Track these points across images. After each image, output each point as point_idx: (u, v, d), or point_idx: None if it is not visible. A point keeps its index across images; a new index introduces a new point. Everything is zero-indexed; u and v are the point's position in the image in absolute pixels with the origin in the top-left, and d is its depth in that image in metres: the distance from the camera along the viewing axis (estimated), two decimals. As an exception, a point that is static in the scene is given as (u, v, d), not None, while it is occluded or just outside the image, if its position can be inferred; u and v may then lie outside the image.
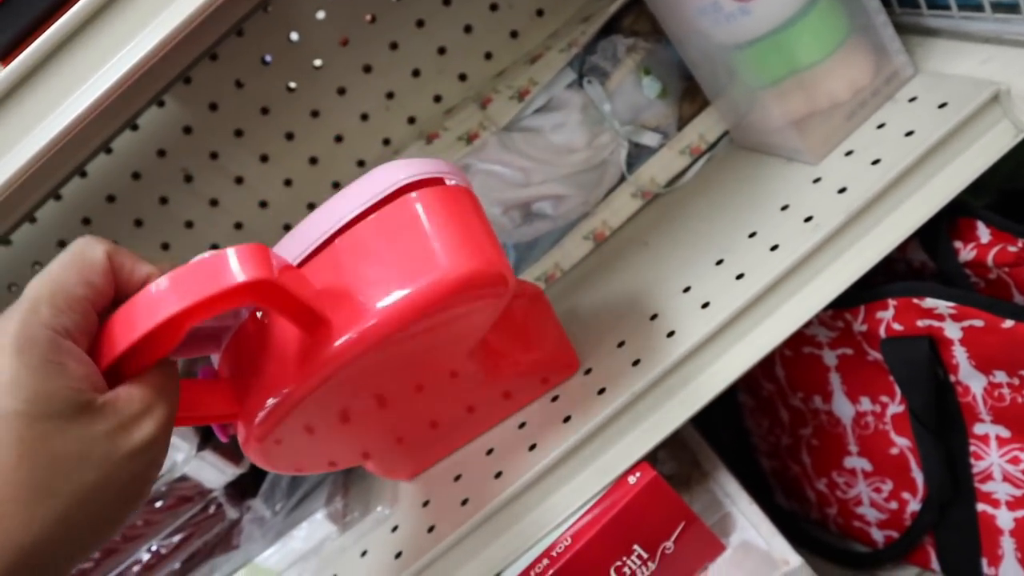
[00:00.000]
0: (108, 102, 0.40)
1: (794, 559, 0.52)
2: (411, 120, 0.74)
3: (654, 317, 0.55)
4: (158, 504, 0.61)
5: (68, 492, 0.31)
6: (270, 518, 0.64)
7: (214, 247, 0.73)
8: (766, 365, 0.68)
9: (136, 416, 0.33)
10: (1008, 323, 0.51)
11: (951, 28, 0.55)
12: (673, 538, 0.53)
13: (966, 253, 0.54)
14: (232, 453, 0.61)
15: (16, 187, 0.41)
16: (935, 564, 0.65)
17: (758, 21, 0.52)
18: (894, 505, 0.65)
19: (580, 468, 0.53)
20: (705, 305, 0.52)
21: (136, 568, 0.64)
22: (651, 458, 0.54)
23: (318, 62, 0.71)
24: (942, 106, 0.51)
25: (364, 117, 0.74)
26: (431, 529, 0.55)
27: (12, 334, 0.31)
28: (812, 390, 0.66)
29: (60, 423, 0.31)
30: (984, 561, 0.61)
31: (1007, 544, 0.59)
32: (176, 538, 0.63)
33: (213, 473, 0.60)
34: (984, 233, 0.54)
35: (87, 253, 0.35)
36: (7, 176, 0.41)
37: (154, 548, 0.63)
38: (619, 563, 0.52)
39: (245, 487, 0.64)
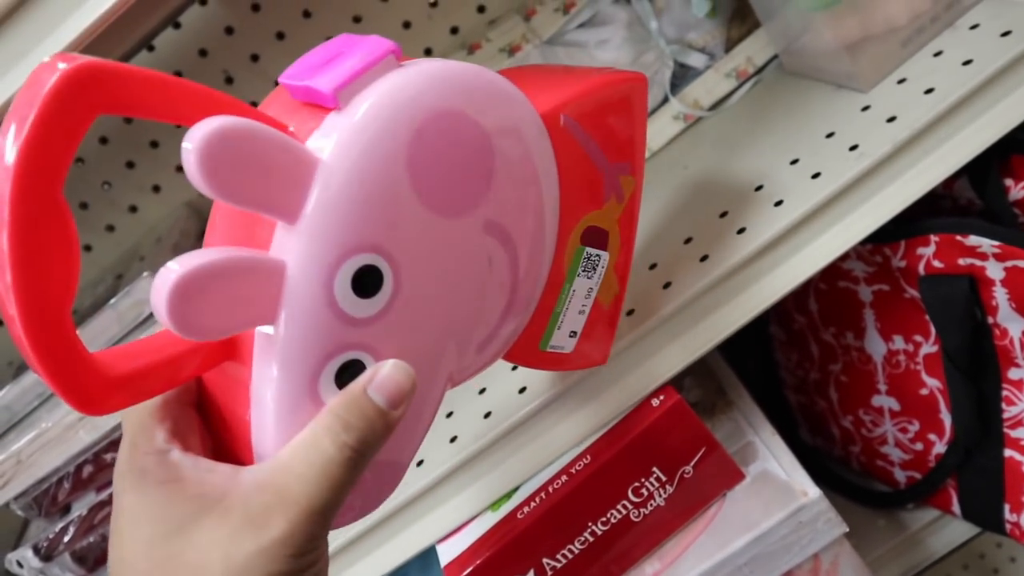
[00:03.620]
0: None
1: (813, 491, 0.52)
2: (454, 30, 0.73)
3: (688, 241, 0.55)
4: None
5: None
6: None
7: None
8: (799, 297, 0.67)
9: (263, 514, 0.29)
10: (1054, 265, 0.49)
11: (1023, -48, 0.52)
12: (693, 463, 0.53)
13: (1016, 191, 0.53)
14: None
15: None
16: (956, 507, 0.65)
17: (817, -64, 0.50)
18: (919, 446, 0.65)
19: (603, 387, 0.53)
20: (741, 231, 0.51)
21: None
22: (677, 384, 0.54)
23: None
24: (1005, 34, 0.49)
25: (406, 25, 0.73)
26: (453, 439, 0.56)
27: (124, 473, 0.31)
28: (845, 325, 0.65)
29: (184, 535, 0.29)
30: (1007, 507, 0.60)
31: (1032, 491, 0.59)
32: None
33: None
34: (1038, 171, 0.52)
35: None
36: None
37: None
38: (637, 484, 0.53)
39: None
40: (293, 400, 0.31)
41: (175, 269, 0.26)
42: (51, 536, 0.68)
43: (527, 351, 0.43)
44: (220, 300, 0.27)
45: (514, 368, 0.57)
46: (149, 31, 0.61)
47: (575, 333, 0.44)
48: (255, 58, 0.71)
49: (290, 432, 0.31)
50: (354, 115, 0.31)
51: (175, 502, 0.29)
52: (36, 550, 0.68)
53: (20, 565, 0.69)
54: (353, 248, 0.30)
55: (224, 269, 0.27)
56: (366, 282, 0.31)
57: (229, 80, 0.72)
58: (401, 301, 0.33)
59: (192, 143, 0.26)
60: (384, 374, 0.32)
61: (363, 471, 0.31)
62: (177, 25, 0.69)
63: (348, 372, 0.32)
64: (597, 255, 0.44)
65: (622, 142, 0.43)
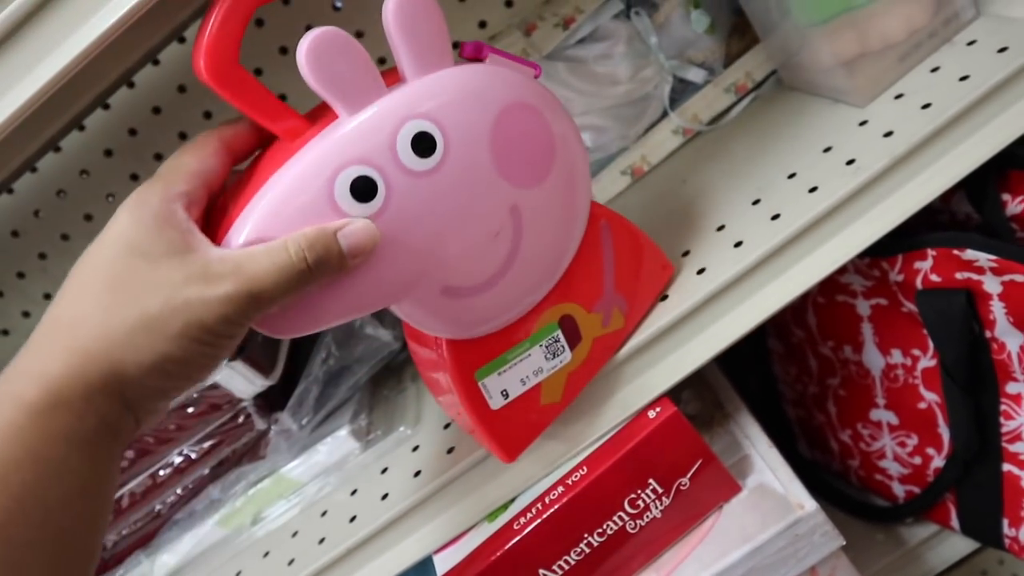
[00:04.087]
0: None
1: (809, 504, 0.52)
2: (454, 45, 0.73)
3: (686, 254, 0.55)
4: (190, 410, 0.63)
5: (135, 314, 0.34)
6: (296, 431, 0.65)
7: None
8: (797, 311, 0.67)
9: (217, 276, 0.35)
10: (1051, 280, 0.50)
11: (1019, -31, 0.52)
12: (689, 475, 0.53)
13: (1014, 206, 0.53)
14: (263, 364, 0.63)
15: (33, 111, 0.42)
16: (955, 522, 0.64)
17: (814, -47, 0.50)
18: (918, 460, 0.65)
19: (601, 400, 0.53)
20: (738, 244, 0.52)
21: (168, 470, 0.66)
22: (675, 397, 0.54)
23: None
24: (1002, 50, 0.50)
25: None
26: (451, 450, 0.56)
27: (132, 199, 0.37)
28: (843, 339, 0.65)
29: (149, 260, 0.35)
30: (1006, 522, 0.60)
31: (1031, 506, 0.59)
32: (206, 444, 0.65)
33: (243, 383, 0.62)
34: (1035, 186, 0.52)
35: (203, 138, 0.39)
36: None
37: (185, 452, 0.65)
38: (633, 496, 0.53)
39: (274, 400, 0.66)
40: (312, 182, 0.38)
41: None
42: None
43: (465, 361, 0.46)
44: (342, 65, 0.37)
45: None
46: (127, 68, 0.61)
47: (506, 394, 0.48)
48: (258, 72, 0.72)
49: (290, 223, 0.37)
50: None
51: (157, 235, 0.35)
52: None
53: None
54: (415, 115, 0.38)
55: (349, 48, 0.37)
56: (423, 146, 0.39)
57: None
58: (443, 172, 0.39)
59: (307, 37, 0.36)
60: (355, 227, 0.38)
61: (306, 288, 0.37)
62: (156, 63, 0.70)
63: (362, 185, 0.38)
64: (562, 346, 0.49)
65: (632, 285, 0.50)
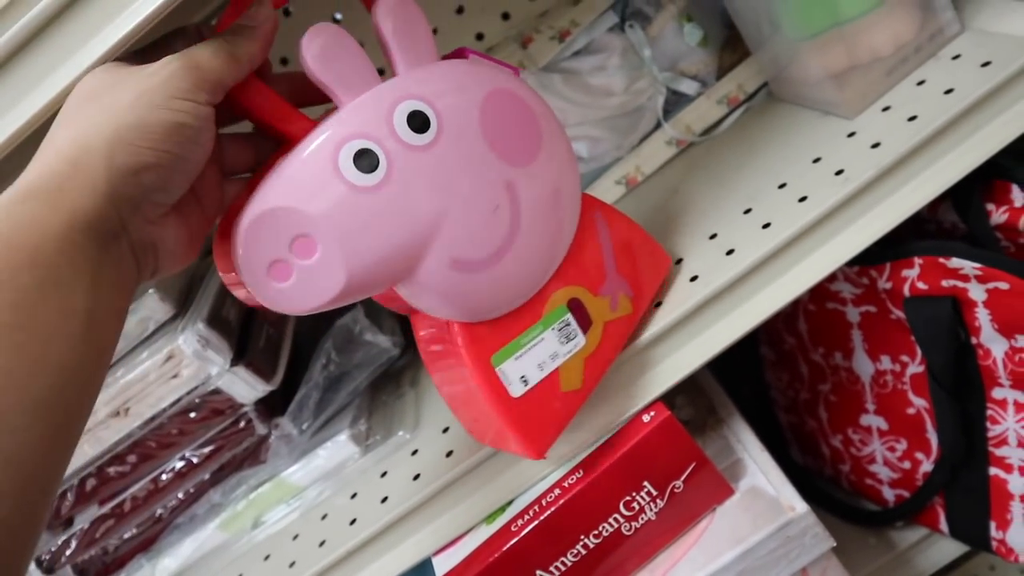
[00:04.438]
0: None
1: (800, 506, 0.53)
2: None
3: (679, 261, 0.56)
4: (192, 415, 0.64)
5: (98, 106, 0.36)
6: (296, 436, 0.66)
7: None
8: (789, 319, 0.69)
9: (164, 63, 0.37)
10: (1033, 287, 0.51)
11: (1002, -14, 0.54)
12: (683, 478, 0.54)
13: (998, 216, 0.54)
14: (264, 370, 0.64)
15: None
16: (943, 525, 0.66)
17: (804, -30, 0.52)
18: (907, 465, 0.66)
19: (596, 404, 0.54)
20: (730, 252, 0.53)
21: (169, 475, 0.67)
22: (669, 402, 0.55)
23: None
24: (985, 65, 0.51)
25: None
26: (449, 454, 0.57)
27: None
28: (833, 346, 0.66)
29: (125, 76, 0.37)
30: (992, 524, 0.62)
31: (1017, 509, 0.60)
32: (207, 449, 0.66)
33: (244, 388, 0.63)
34: (1019, 196, 0.53)
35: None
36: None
37: (187, 457, 0.66)
38: (628, 498, 0.54)
39: (274, 405, 0.67)
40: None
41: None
42: (54, 549, 0.69)
43: (480, 347, 0.47)
44: (342, 57, 0.41)
45: (509, 384, 0.59)
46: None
47: (526, 381, 0.48)
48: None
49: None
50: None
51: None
52: (39, 562, 0.69)
53: (21, 577, 0.70)
54: (409, 96, 0.42)
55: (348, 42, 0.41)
56: (418, 123, 0.42)
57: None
58: (439, 147, 0.42)
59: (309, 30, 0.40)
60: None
61: (239, 60, 0.39)
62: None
63: (365, 157, 0.40)
64: (575, 330, 0.50)
65: (634, 273, 0.53)
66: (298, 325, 0.74)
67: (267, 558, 0.64)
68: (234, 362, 0.62)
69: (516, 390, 0.48)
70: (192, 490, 0.68)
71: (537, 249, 0.47)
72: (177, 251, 0.40)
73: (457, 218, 0.43)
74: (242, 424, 0.66)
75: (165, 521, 0.69)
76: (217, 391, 0.63)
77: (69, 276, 0.33)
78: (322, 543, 0.59)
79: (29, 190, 0.34)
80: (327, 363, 0.67)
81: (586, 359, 0.50)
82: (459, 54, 0.46)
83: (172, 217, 0.39)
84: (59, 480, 0.33)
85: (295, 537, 0.63)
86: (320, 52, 0.40)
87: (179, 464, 0.67)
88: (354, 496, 0.62)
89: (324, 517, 0.63)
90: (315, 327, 0.77)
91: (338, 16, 0.72)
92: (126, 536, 0.70)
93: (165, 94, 0.36)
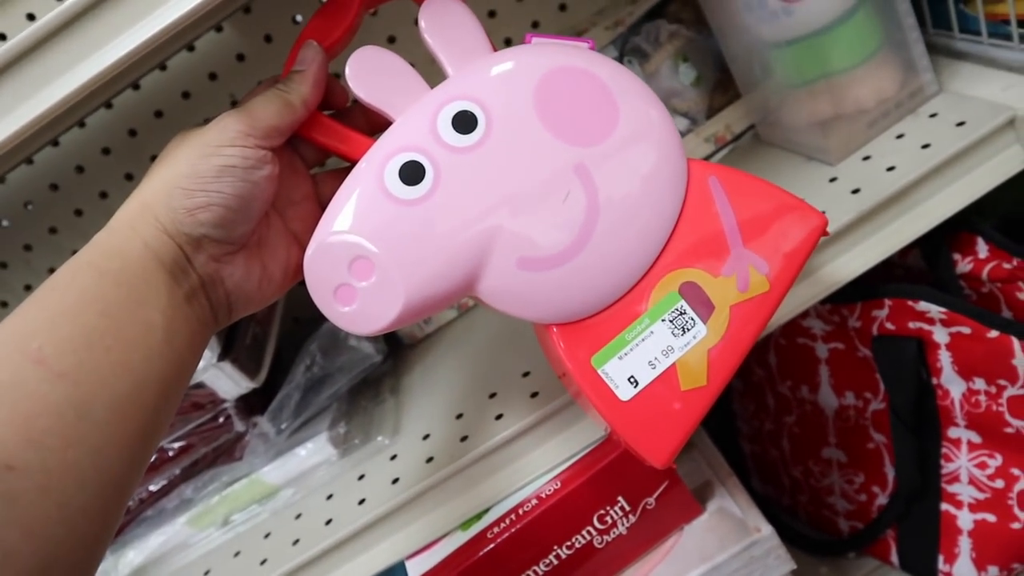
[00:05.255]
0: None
1: (766, 528, 0.56)
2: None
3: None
4: (172, 407, 0.64)
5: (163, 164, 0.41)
6: (274, 436, 0.67)
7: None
8: (759, 351, 0.72)
9: (215, 121, 0.41)
10: (993, 333, 0.54)
11: (978, 53, 0.58)
12: (655, 495, 0.57)
13: (963, 265, 0.58)
14: (249, 367, 0.65)
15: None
16: (894, 557, 0.69)
17: (799, 23, 0.55)
18: (863, 497, 0.69)
19: (575, 420, 0.56)
20: (714, 282, 0.55)
21: (142, 466, 0.67)
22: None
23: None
24: (960, 124, 0.55)
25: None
26: (429, 460, 0.59)
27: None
28: (801, 379, 0.69)
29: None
30: (941, 558, 0.65)
31: (964, 544, 0.63)
32: (183, 442, 0.66)
33: (229, 384, 0.63)
34: (983, 248, 0.57)
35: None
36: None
37: (162, 448, 0.66)
38: (602, 512, 0.56)
39: (254, 403, 0.68)
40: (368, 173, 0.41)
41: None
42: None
43: (578, 348, 0.43)
44: (384, 76, 0.42)
45: (492, 396, 0.60)
46: (167, 54, 0.63)
47: (635, 382, 0.43)
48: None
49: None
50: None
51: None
52: None
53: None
54: (452, 98, 0.41)
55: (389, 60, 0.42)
56: (464, 123, 0.41)
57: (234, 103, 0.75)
58: (489, 143, 0.41)
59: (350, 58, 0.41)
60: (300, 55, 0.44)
61: (293, 115, 0.42)
62: (192, 48, 0.72)
63: (410, 169, 0.41)
64: (692, 319, 0.43)
65: (769, 245, 0.44)
66: (283, 326, 0.75)
67: (237, 555, 0.64)
68: (220, 357, 0.63)
69: (625, 393, 0.43)
70: (164, 483, 0.68)
71: (627, 233, 0.42)
72: (250, 289, 0.43)
73: (519, 214, 0.41)
74: (221, 420, 0.66)
75: (132, 513, 0.69)
76: (201, 385, 0.64)
77: (149, 296, 0.37)
78: (295, 542, 0.60)
79: (111, 228, 0.39)
80: (310, 365, 0.68)
81: (711, 351, 0.43)
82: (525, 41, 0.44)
83: (242, 256, 0.42)
84: (136, 481, 0.37)
85: (267, 535, 0.64)
86: (360, 76, 0.41)
87: (153, 456, 0.67)
88: (330, 497, 0.63)
89: (298, 517, 0.63)
90: (297, 331, 0.78)
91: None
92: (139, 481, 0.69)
93: (215, 143, 0.39)
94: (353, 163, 0.43)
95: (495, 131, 0.41)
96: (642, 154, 0.42)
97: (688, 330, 0.43)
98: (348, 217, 0.41)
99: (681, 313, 0.43)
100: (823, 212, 0.45)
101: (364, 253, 0.40)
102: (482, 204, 0.41)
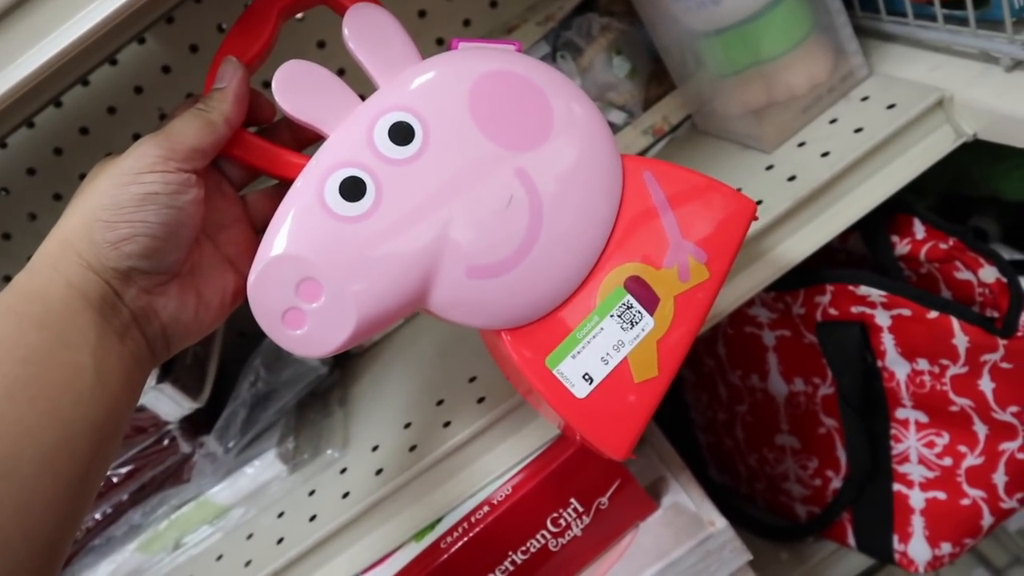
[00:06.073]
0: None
1: (720, 521, 0.56)
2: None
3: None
4: (113, 433, 0.62)
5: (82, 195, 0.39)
6: (222, 455, 0.66)
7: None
8: (708, 342, 0.72)
9: (133, 147, 0.39)
10: (933, 314, 0.55)
11: (906, 35, 0.58)
12: (608, 495, 0.56)
13: (901, 247, 0.58)
14: (190, 387, 0.63)
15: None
16: (851, 539, 0.69)
17: (727, 11, 0.54)
18: (818, 482, 0.69)
19: (524, 423, 0.55)
20: (655, 276, 0.55)
21: (86, 495, 0.65)
22: (594, 419, 0.56)
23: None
24: (891, 107, 0.55)
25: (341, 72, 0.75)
26: (379, 472, 0.58)
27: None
28: (750, 368, 0.69)
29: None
30: (895, 537, 0.65)
31: (917, 522, 0.64)
32: (128, 468, 0.65)
33: (170, 406, 0.62)
34: (920, 230, 0.57)
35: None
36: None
37: (106, 476, 0.64)
38: (555, 515, 0.55)
39: (199, 423, 0.66)
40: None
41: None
42: None
43: (531, 351, 0.43)
44: (314, 90, 0.40)
45: (439, 403, 0.59)
46: (87, 68, 0.61)
47: (589, 379, 0.43)
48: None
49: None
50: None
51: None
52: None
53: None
54: (385, 109, 0.40)
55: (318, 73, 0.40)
56: (401, 134, 0.40)
57: (163, 117, 0.73)
58: (428, 153, 0.40)
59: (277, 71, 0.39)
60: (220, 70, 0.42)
61: (213, 134, 0.40)
62: (114, 62, 0.70)
63: (350, 185, 0.40)
64: (639, 312, 0.44)
65: (706, 234, 0.45)
66: (225, 343, 0.73)
67: (189, 579, 0.62)
68: (160, 379, 0.61)
69: (581, 391, 0.43)
70: (110, 510, 0.66)
71: (571, 234, 0.43)
72: (186, 319, 0.41)
73: (464, 223, 0.40)
74: (166, 442, 0.65)
75: (80, 543, 0.67)
76: (141, 408, 0.62)
77: (75, 338, 0.35)
78: (248, 563, 0.59)
79: (32, 269, 0.37)
80: (255, 381, 0.67)
81: (659, 342, 0.44)
82: (451, 47, 0.43)
83: (175, 285, 0.40)
84: (70, 535, 0.34)
85: (219, 558, 0.62)
86: (288, 91, 0.40)
87: (91, 504, 0.65)
88: (281, 515, 0.62)
89: (250, 537, 0.62)
90: (242, 345, 0.76)
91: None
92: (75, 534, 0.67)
93: (134, 170, 0.37)
94: (283, 182, 0.42)
95: (433, 140, 0.40)
96: (579, 154, 0.42)
97: (636, 323, 0.44)
98: (290, 238, 0.39)
99: (628, 307, 0.44)
100: (752, 199, 0.45)
101: (311, 274, 0.39)
102: (427, 215, 0.40)
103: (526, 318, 0.43)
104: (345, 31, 0.40)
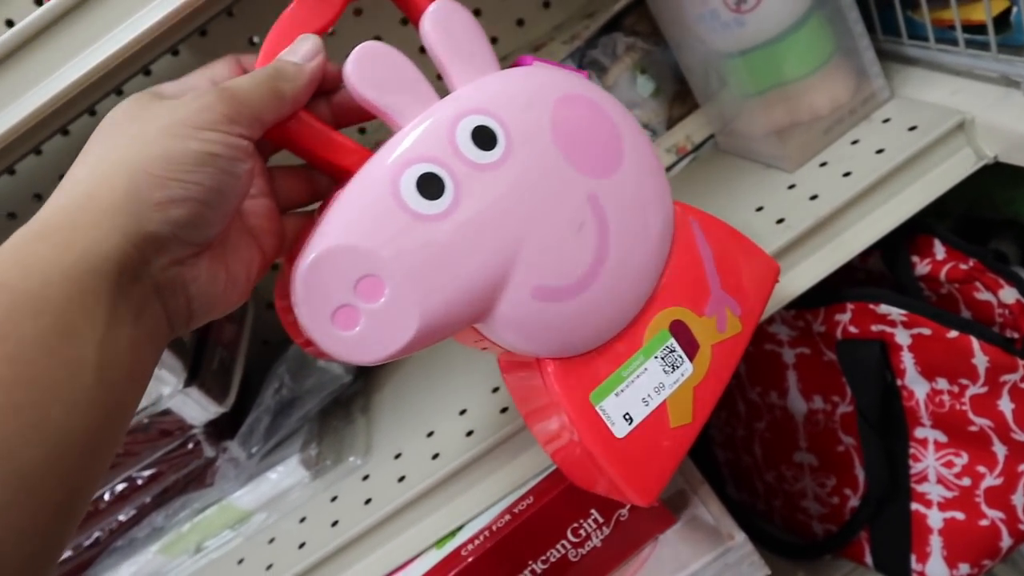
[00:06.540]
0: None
1: (739, 535, 0.56)
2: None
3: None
4: (140, 435, 0.64)
5: (116, 142, 0.33)
6: (245, 460, 0.67)
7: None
8: (729, 359, 0.72)
9: (204, 91, 0.35)
10: (953, 333, 0.55)
11: (927, 59, 0.59)
12: (628, 507, 0.57)
13: (921, 267, 0.59)
14: (216, 392, 0.64)
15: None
16: (868, 558, 0.69)
17: (752, 32, 0.56)
18: (835, 500, 0.69)
19: (547, 433, 0.56)
20: (678, 291, 0.56)
21: (111, 496, 0.66)
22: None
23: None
24: (912, 129, 0.56)
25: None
26: (401, 479, 0.58)
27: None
28: (770, 385, 0.70)
29: (153, 107, 0.35)
30: (913, 557, 0.65)
31: (935, 542, 0.64)
32: (152, 470, 0.66)
33: (196, 410, 0.63)
34: (940, 250, 0.58)
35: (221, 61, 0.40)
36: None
37: (131, 478, 0.65)
38: (576, 525, 0.56)
39: (224, 428, 0.67)
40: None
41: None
42: None
43: (577, 385, 0.42)
44: (394, 76, 0.37)
45: (462, 412, 0.60)
46: (122, 79, 0.63)
47: (630, 419, 0.42)
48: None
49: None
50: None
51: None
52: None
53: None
54: (471, 110, 0.38)
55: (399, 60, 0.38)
56: (484, 139, 0.38)
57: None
58: (509, 163, 0.38)
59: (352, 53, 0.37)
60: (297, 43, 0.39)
61: (280, 103, 0.36)
62: (148, 72, 0.72)
63: (429, 182, 0.37)
64: (680, 356, 0.44)
65: (739, 286, 0.46)
66: (252, 349, 0.74)
67: (210, 582, 0.63)
68: (187, 383, 0.62)
69: (620, 430, 0.42)
70: (134, 512, 0.67)
71: (631, 269, 0.42)
72: (215, 294, 0.36)
73: (537, 241, 0.39)
74: (190, 446, 0.66)
75: (103, 544, 0.68)
76: (168, 412, 0.63)
77: (79, 325, 0.29)
78: (269, 567, 0.60)
79: (41, 230, 0.30)
80: (279, 387, 0.68)
81: (695, 388, 0.44)
82: (522, 62, 0.42)
83: (206, 257, 0.35)
84: (57, 558, 0.29)
85: (240, 561, 0.63)
86: (366, 73, 0.37)
87: (122, 486, 0.66)
88: (303, 520, 0.62)
89: (271, 541, 0.63)
90: (266, 354, 0.77)
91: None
92: (60, 560, 0.68)
93: (195, 124, 0.33)
94: (328, 170, 0.40)
95: (515, 150, 0.38)
96: (644, 189, 0.42)
97: (677, 367, 0.43)
98: (356, 228, 0.36)
99: (672, 351, 0.43)
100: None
101: (376, 270, 0.36)
102: (502, 226, 0.38)
103: (578, 349, 0.42)
104: (427, 25, 0.38)
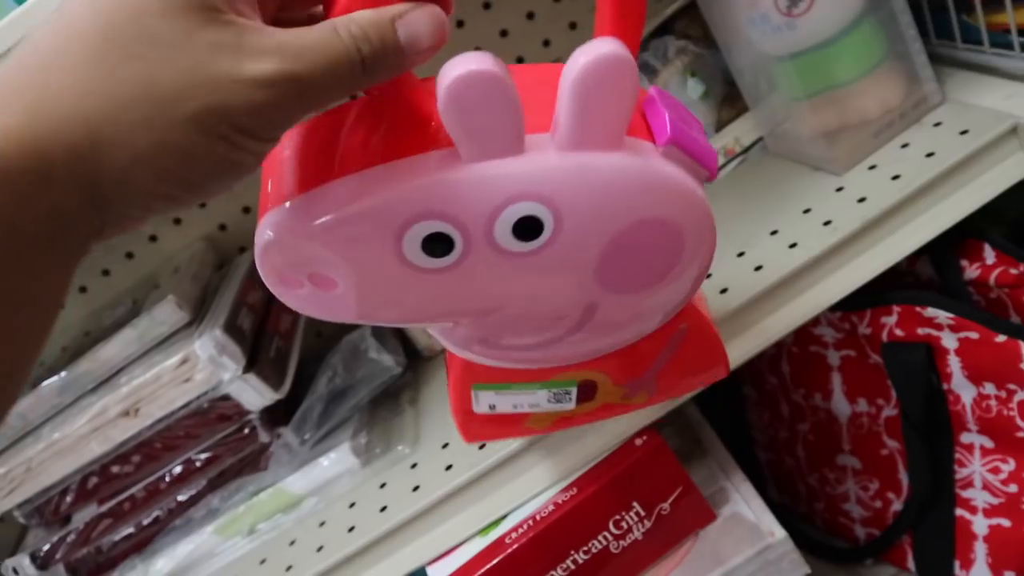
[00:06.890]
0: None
1: (779, 532, 0.57)
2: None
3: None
4: (200, 419, 0.66)
5: (138, 80, 0.25)
6: (298, 446, 0.69)
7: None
8: (772, 360, 0.73)
9: (257, 49, 0.26)
10: (1001, 338, 0.55)
11: (981, 63, 0.59)
12: (670, 501, 0.58)
13: (971, 271, 0.58)
14: (272, 379, 0.67)
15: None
16: (911, 564, 0.69)
17: (803, 36, 0.56)
18: (878, 504, 0.69)
19: (590, 428, 0.57)
20: (723, 291, 0.57)
21: (171, 477, 0.69)
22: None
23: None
24: (963, 133, 0.56)
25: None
26: (449, 468, 0.60)
27: None
28: (814, 387, 0.70)
29: (168, 12, 0.26)
30: (957, 564, 0.65)
31: (980, 549, 0.63)
32: (210, 453, 0.68)
33: (253, 395, 0.65)
34: (990, 255, 0.58)
35: None
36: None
37: (190, 459, 0.68)
38: (618, 517, 0.57)
39: (278, 415, 0.70)
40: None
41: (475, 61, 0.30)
42: (49, 545, 0.71)
43: (469, 374, 0.46)
44: (490, 115, 0.31)
45: (509, 405, 0.62)
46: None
47: (493, 407, 0.48)
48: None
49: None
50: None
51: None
52: (33, 558, 0.71)
53: (16, 572, 0.71)
54: (534, 195, 0.33)
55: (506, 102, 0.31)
56: (526, 231, 0.34)
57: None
58: (533, 259, 0.35)
59: (452, 69, 0.30)
60: (415, 15, 0.30)
61: (354, 88, 0.29)
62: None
63: (438, 243, 0.33)
64: (570, 398, 0.47)
65: (674, 380, 0.48)
66: (305, 340, 0.77)
67: (263, 562, 0.66)
68: (245, 369, 0.65)
69: (479, 408, 0.48)
70: (192, 493, 0.70)
71: (583, 350, 0.42)
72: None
73: (508, 315, 0.37)
74: (246, 431, 0.68)
75: (162, 523, 0.71)
76: (226, 397, 0.65)
77: (18, 289, 0.24)
78: (319, 548, 0.62)
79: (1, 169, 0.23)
80: (332, 377, 0.70)
81: (560, 417, 0.49)
82: (662, 125, 0.34)
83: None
84: None
85: (292, 543, 0.65)
86: (466, 103, 0.30)
87: (181, 467, 0.69)
88: (352, 505, 0.64)
89: (322, 524, 0.65)
90: (318, 346, 0.80)
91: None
92: (121, 536, 0.71)
93: (237, 122, 0.26)
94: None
95: (549, 251, 0.34)
96: (651, 309, 0.40)
97: (561, 402, 0.48)
98: (342, 239, 0.33)
99: (566, 394, 0.47)
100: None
101: (336, 276, 0.34)
102: (485, 299, 0.36)
103: (490, 365, 0.44)
104: (571, 73, 0.31)
